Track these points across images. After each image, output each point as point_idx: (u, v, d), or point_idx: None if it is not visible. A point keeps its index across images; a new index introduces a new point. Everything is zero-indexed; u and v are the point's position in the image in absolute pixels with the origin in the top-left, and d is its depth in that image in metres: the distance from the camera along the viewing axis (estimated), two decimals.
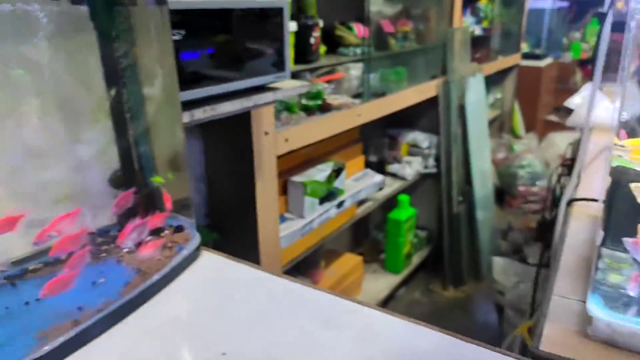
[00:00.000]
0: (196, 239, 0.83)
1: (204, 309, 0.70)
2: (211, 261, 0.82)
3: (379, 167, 2.44)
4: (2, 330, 0.63)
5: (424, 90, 2.45)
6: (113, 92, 0.73)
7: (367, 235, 2.84)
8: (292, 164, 1.94)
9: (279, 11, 1.25)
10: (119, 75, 0.72)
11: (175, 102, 0.77)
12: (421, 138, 2.63)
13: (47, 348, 0.59)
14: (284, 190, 1.88)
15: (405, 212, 2.56)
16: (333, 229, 2.09)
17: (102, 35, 0.69)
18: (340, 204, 2.04)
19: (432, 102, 2.58)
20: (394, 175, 2.53)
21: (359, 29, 2.07)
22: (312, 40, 1.79)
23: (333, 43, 2.05)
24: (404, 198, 2.56)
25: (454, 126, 2.62)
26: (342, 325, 0.66)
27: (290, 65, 1.34)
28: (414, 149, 2.64)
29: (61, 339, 0.61)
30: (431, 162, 2.67)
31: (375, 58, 2.09)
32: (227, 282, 0.77)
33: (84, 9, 0.68)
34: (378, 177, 2.28)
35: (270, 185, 1.67)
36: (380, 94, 2.14)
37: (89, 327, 0.63)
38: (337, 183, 2.01)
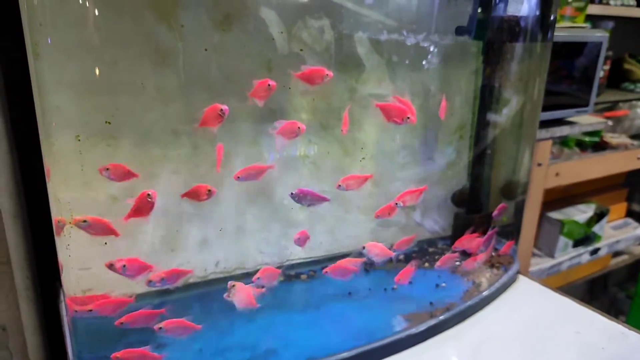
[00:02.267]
0: (517, 263, 0.86)
1: (532, 330, 0.73)
2: (528, 284, 0.85)
3: None
4: (372, 306, 0.75)
5: None
6: (479, 117, 0.81)
7: (604, 290, 2.53)
8: (549, 198, 1.84)
9: (597, 45, 1.21)
10: (488, 102, 0.79)
11: (532, 139, 0.81)
12: None
13: (415, 329, 0.69)
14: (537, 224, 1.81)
15: None
16: (580, 275, 1.92)
17: (485, 67, 0.77)
18: (595, 251, 1.86)
19: None
20: None
21: None
22: (601, 74, 1.67)
23: (617, 77, 1.89)
24: None
25: None
26: None
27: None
28: None
29: (423, 325, 0.70)
30: None
31: None
32: (551, 309, 0.78)
33: (476, 43, 0.77)
34: None
35: (532, 218, 1.62)
36: None
37: (441, 320, 0.72)
38: (596, 228, 1.84)
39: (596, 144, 1.73)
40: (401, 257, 0.85)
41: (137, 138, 0.63)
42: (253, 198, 0.81)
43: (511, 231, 0.87)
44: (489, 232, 0.76)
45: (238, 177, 0.67)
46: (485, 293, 0.77)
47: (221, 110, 0.60)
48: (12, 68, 0.72)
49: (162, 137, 0.70)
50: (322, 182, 0.83)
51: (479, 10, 0.74)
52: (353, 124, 0.84)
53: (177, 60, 0.69)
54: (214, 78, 0.72)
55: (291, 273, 0.83)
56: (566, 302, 0.80)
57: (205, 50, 0.72)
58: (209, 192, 0.61)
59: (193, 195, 0.61)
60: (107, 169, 0.51)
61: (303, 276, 0.84)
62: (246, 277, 0.82)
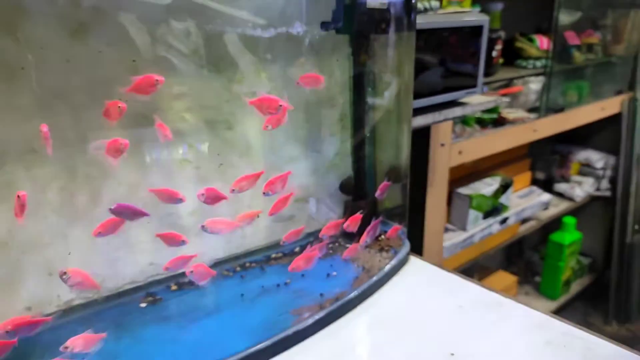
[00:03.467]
0: (407, 245, 0.90)
1: (423, 309, 0.76)
2: (418, 266, 0.89)
3: (546, 185, 2.31)
4: (264, 305, 0.76)
5: (606, 106, 2.25)
6: (355, 107, 0.83)
7: (520, 255, 2.71)
8: (457, 175, 1.94)
9: (479, 29, 1.27)
10: (363, 92, 0.81)
11: (408, 122, 0.84)
12: (595, 157, 2.43)
13: (302, 324, 0.70)
14: (447, 201, 1.89)
15: (569, 236, 2.39)
16: (493, 245, 2.04)
17: (355, 58, 0.79)
18: (504, 221, 1.98)
19: (611, 119, 2.36)
20: (560, 195, 2.37)
21: (541, 41, 1.98)
22: (494, 54, 1.77)
23: (511, 55, 2.00)
24: (570, 220, 2.38)
25: (638, 147, 2.36)
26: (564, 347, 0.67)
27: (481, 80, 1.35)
28: (586, 169, 2.44)
29: (311, 319, 0.72)
30: (605, 184, 2.45)
31: (557, 71, 1.99)
32: (440, 287, 0.82)
33: (343, 36, 0.79)
34: (545, 196, 2.16)
35: (440, 196, 1.69)
36: (558, 109, 2.03)
37: (331, 311, 0.74)
38: (502, 199, 1.96)
39: (495, 120, 1.83)
40: (297, 249, 0.86)
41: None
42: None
43: (400, 213, 0.90)
44: (373, 222, 0.79)
45: (233, 190, 0.68)
46: (374, 278, 0.80)
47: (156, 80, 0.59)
48: None
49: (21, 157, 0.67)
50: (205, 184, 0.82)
51: (343, 4, 0.75)
52: (237, 124, 0.84)
53: (28, 74, 0.65)
54: (73, 89, 0.69)
55: (184, 281, 0.82)
56: (452, 278, 0.84)
57: (67, 61, 0.69)
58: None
59: None
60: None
61: None
62: (138, 291, 0.80)
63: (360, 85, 0.81)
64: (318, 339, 0.71)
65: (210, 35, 0.76)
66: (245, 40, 0.78)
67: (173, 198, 0.67)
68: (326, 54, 0.81)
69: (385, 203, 0.89)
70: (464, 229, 1.89)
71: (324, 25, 0.75)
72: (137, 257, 0.79)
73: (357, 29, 0.76)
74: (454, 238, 1.87)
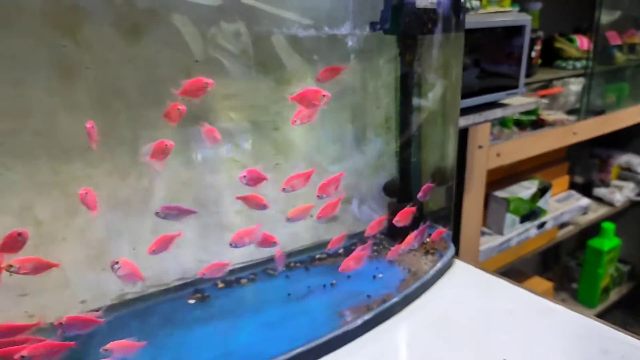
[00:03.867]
0: (452, 248, 0.88)
1: (471, 314, 0.75)
2: (464, 269, 0.87)
3: (585, 189, 2.25)
4: (311, 304, 0.76)
5: None
6: (401, 108, 0.82)
7: (556, 260, 2.64)
8: (493, 177, 1.90)
9: (521, 29, 1.25)
10: (409, 93, 0.81)
11: (455, 124, 0.83)
12: (636, 161, 2.35)
13: (350, 325, 0.70)
14: (484, 204, 1.86)
15: (608, 242, 2.31)
16: (530, 249, 1.99)
17: (402, 59, 0.79)
18: (541, 225, 1.94)
19: None
20: (599, 200, 2.30)
21: (581, 41, 1.93)
22: (533, 54, 1.73)
23: (550, 55, 1.96)
24: (609, 226, 2.31)
25: None
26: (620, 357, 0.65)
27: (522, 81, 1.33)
28: (626, 173, 2.37)
29: (359, 320, 0.71)
30: None
31: (598, 72, 1.93)
32: (487, 292, 0.81)
33: (391, 37, 0.78)
34: (584, 201, 2.11)
35: (477, 198, 1.67)
36: (598, 111, 1.97)
37: (378, 313, 0.73)
38: (541, 203, 1.92)
39: (534, 122, 1.79)
40: (340, 250, 0.86)
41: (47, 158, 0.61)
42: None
43: (444, 216, 0.89)
44: (421, 227, 0.78)
45: (284, 189, 0.69)
46: (420, 281, 0.79)
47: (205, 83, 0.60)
48: None
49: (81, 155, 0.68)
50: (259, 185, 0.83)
51: (392, 4, 0.75)
52: (284, 124, 0.84)
53: (86, 74, 0.67)
54: (127, 89, 0.71)
55: (231, 279, 0.83)
56: (499, 282, 0.83)
57: (122, 61, 0.71)
58: (20, 236, 0.54)
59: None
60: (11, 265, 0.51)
61: (243, 280, 0.83)
62: (187, 287, 0.81)
63: (407, 87, 0.81)
64: (365, 341, 0.70)
65: (258, 37, 0.77)
66: (293, 42, 0.78)
67: (259, 204, 0.68)
68: (373, 55, 0.81)
69: (429, 205, 0.88)
70: (500, 232, 1.85)
71: (373, 26, 0.75)
72: (186, 254, 0.81)
73: (405, 29, 0.76)
74: (490, 242, 1.84)
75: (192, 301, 0.79)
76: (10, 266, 0.54)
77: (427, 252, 0.86)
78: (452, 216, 0.88)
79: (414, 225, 0.80)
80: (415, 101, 0.82)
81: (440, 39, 0.77)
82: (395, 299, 0.75)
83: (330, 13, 0.78)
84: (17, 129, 0.62)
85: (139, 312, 0.75)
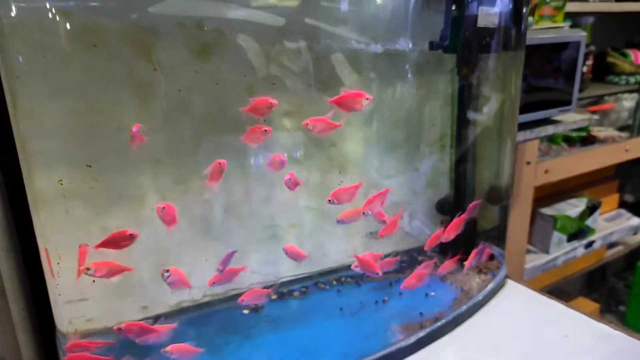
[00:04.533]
0: (504, 268, 0.87)
1: (524, 336, 0.74)
2: (516, 290, 0.86)
3: (635, 208, 2.16)
4: (363, 320, 0.77)
5: None
6: (457, 125, 0.83)
7: (602, 282, 2.54)
8: (540, 194, 1.86)
9: (575, 45, 1.23)
10: (466, 110, 0.81)
11: (513, 142, 0.83)
12: None
13: (404, 342, 0.71)
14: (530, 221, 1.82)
15: None
16: (576, 269, 1.94)
17: (459, 76, 0.79)
18: (589, 244, 1.88)
19: None
20: None
21: (635, 56, 1.87)
22: (584, 69, 1.69)
23: (602, 70, 1.91)
24: None
25: None
26: None
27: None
28: None
29: (413, 338, 0.72)
30: None
31: None
32: (541, 314, 0.79)
33: (450, 56, 0.79)
34: (634, 220, 2.03)
35: (523, 216, 1.64)
36: None
37: (432, 331, 0.73)
38: (589, 221, 1.86)
39: (584, 139, 1.75)
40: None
41: (122, 177, 0.65)
42: (240, 218, 0.82)
43: (497, 235, 0.88)
44: (480, 247, 0.78)
45: (329, 201, 0.70)
46: (473, 300, 0.79)
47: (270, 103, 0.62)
48: None
49: (147, 169, 0.72)
50: (310, 197, 0.85)
51: (451, 24, 0.76)
52: (341, 141, 0.86)
53: (158, 93, 0.70)
54: (196, 106, 0.74)
55: (284, 291, 0.85)
56: (554, 305, 0.81)
57: (189, 79, 0.74)
58: (131, 237, 0.58)
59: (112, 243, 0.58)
60: (88, 268, 0.53)
61: (296, 293, 0.85)
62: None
63: (463, 104, 0.81)
64: (420, 358, 0.70)
65: (318, 55, 0.79)
66: (351, 59, 0.80)
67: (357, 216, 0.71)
68: (429, 72, 0.81)
69: (482, 224, 0.87)
70: (546, 251, 1.81)
71: (432, 45, 0.76)
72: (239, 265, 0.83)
73: (464, 48, 0.76)
74: (535, 260, 1.80)
75: (246, 311, 0.81)
76: (88, 269, 0.57)
77: (479, 271, 0.85)
78: (505, 235, 0.88)
79: (465, 239, 0.80)
80: (472, 118, 0.82)
81: (501, 56, 0.77)
82: (447, 318, 0.75)
83: (388, 31, 0.80)
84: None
85: (195, 320, 0.77)
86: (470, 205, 0.80)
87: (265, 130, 0.63)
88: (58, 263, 0.54)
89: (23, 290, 0.81)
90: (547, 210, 1.79)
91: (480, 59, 0.77)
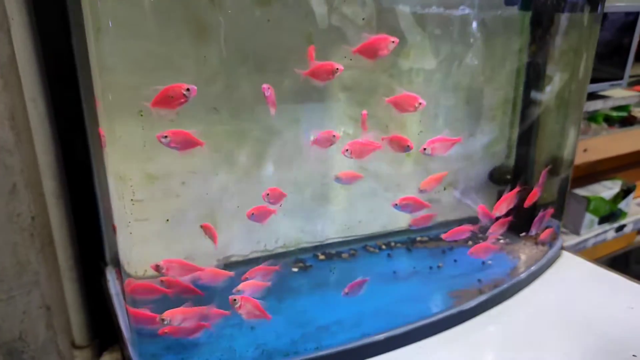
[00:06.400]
0: (560, 239, 0.85)
1: (586, 306, 0.72)
2: (573, 262, 0.84)
3: None
4: (419, 284, 0.75)
5: None
6: (522, 92, 0.79)
7: (625, 269, 2.52)
8: (574, 175, 1.82)
9: (634, 15, 1.17)
10: (535, 77, 0.77)
11: (580, 113, 0.79)
12: None
13: (465, 306, 0.69)
14: None
15: None
16: (604, 253, 1.91)
17: (533, 39, 0.75)
18: (620, 228, 1.85)
19: None
20: None
21: None
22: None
23: None
24: None
25: None
26: None
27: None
28: None
29: (472, 302, 0.70)
30: None
31: None
32: (601, 285, 0.77)
33: (523, 14, 0.75)
34: None
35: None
36: None
37: (491, 296, 0.71)
38: (622, 204, 1.82)
39: (624, 119, 1.70)
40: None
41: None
42: (290, 176, 0.80)
43: (555, 207, 0.86)
44: (542, 212, 0.75)
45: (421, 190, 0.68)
46: (532, 269, 0.77)
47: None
48: (55, 56, 0.72)
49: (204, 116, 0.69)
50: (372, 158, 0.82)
51: None
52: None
53: (218, 36, 0.67)
54: (254, 53, 0.71)
55: (332, 252, 0.83)
56: (614, 277, 0.79)
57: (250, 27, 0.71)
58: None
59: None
60: (166, 136, 0.49)
61: (344, 255, 0.83)
62: (289, 255, 0.82)
63: (533, 71, 0.77)
64: (479, 322, 0.69)
65: (382, 8, 0.75)
66: (416, 16, 0.76)
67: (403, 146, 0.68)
68: (498, 34, 0.77)
69: (542, 195, 0.85)
70: (577, 232, 1.78)
71: (508, 1, 0.72)
72: (291, 223, 0.81)
73: (539, 6, 0.72)
74: (565, 241, 1.77)
75: (295, 269, 0.79)
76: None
77: (536, 243, 0.83)
78: (563, 208, 0.85)
79: (524, 212, 0.77)
80: (540, 87, 0.78)
81: (577, 18, 0.73)
82: (506, 285, 0.73)
83: None
84: None
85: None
86: (542, 176, 0.77)
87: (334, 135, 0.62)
88: (131, 200, 0.52)
89: (71, 238, 0.80)
90: (581, 191, 1.76)
91: (555, 19, 0.73)
